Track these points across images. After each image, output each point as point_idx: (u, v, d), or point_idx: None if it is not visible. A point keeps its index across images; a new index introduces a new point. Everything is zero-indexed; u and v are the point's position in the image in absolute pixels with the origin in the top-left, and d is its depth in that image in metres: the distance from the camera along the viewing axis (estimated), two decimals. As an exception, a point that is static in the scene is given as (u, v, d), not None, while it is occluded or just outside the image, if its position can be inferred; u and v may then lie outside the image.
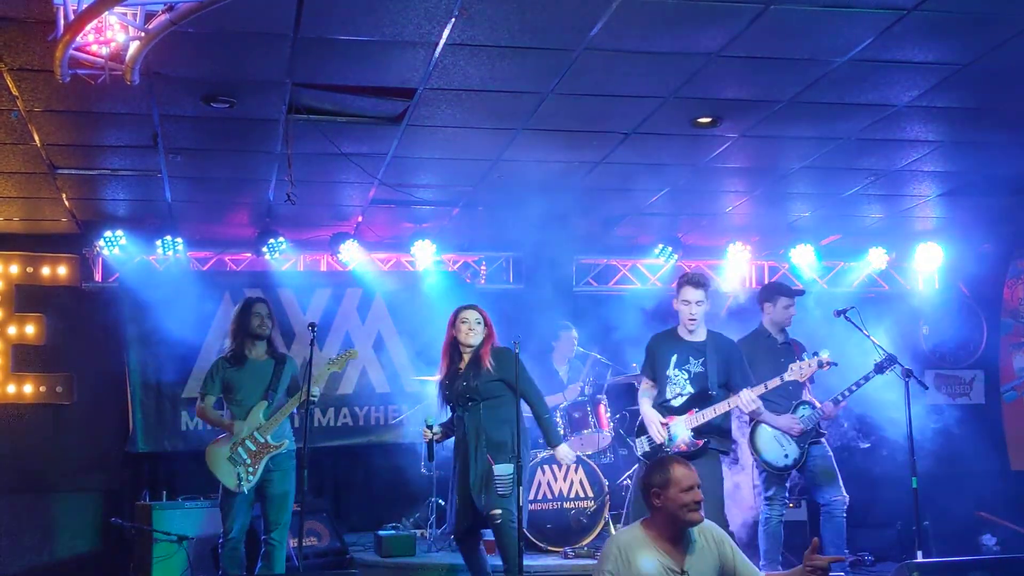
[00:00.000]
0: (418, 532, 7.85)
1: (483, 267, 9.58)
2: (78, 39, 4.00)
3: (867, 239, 9.57)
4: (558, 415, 7.84)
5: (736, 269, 9.70)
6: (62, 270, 8.81)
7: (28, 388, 8.62)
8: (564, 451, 6.02)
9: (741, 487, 7.68)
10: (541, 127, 6.33)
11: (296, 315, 8.76)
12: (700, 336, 5.86)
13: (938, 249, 9.68)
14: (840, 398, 6.45)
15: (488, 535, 5.91)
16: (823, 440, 6.56)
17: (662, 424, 5.76)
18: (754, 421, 6.46)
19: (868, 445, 8.32)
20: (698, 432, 5.73)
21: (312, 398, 6.09)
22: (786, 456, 6.42)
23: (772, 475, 6.48)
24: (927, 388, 6.78)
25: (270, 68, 5.32)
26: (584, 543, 7.39)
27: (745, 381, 5.79)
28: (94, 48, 4.12)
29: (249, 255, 9.02)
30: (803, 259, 9.56)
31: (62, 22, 3.94)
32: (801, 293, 6.79)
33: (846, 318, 6.48)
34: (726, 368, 5.80)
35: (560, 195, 7.75)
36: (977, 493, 8.52)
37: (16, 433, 8.57)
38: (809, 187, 7.92)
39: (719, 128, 6.42)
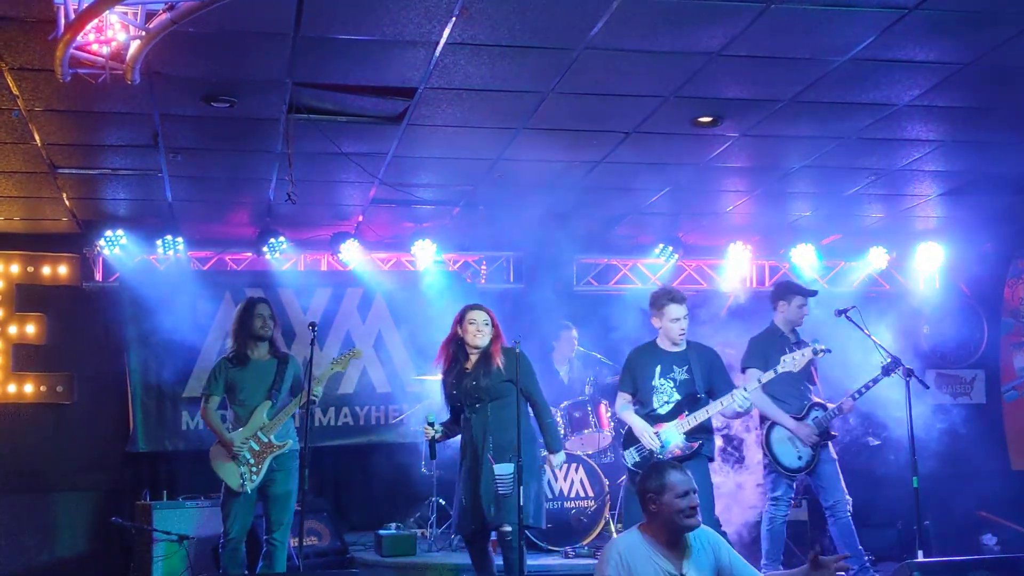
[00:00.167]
0: (418, 532, 7.85)
1: (483, 267, 9.58)
2: (79, 38, 3.99)
3: (868, 239, 9.57)
4: (558, 415, 7.86)
5: (736, 269, 9.69)
6: (62, 270, 8.81)
7: (28, 388, 8.62)
8: (559, 459, 5.98)
9: (744, 487, 7.69)
10: (542, 126, 6.33)
11: (296, 315, 8.76)
12: (682, 347, 5.91)
13: (939, 249, 9.67)
14: (856, 395, 6.50)
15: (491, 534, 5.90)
16: (829, 443, 6.59)
17: (653, 432, 5.76)
18: (769, 422, 6.47)
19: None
20: (690, 435, 5.74)
21: (314, 397, 6.09)
22: (799, 458, 6.47)
23: (782, 476, 6.50)
24: (928, 388, 6.79)
25: (270, 68, 5.32)
26: (584, 543, 7.40)
27: (728, 386, 5.84)
28: (95, 47, 4.12)
29: (249, 255, 9.02)
30: (804, 259, 9.55)
31: (62, 21, 3.94)
32: (814, 294, 6.83)
33: (847, 318, 6.50)
34: (709, 374, 5.86)
35: (560, 195, 7.76)
36: (978, 493, 8.52)
37: (16, 433, 8.56)
38: (810, 186, 7.92)
39: (720, 127, 6.41)
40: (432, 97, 5.79)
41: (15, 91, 5.50)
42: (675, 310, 5.86)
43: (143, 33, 4.08)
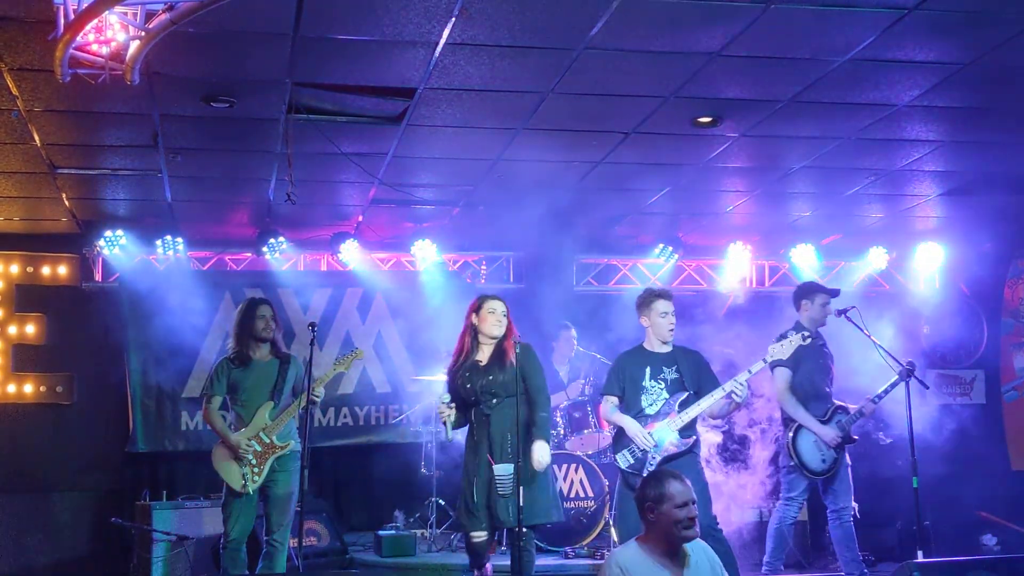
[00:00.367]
0: (418, 532, 7.84)
1: (483, 267, 9.58)
2: (78, 39, 3.99)
3: (867, 239, 9.57)
4: (559, 415, 7.86)
5: (736, 269, 9.70)
6: (62, 270, 8.81)
7: (28, 388, 8.62)
8: (541, 448, 5.47)
9: (745, 487, 7.68)
10: (541, 127, 6.33)
11: (296, 315, 8.75)
12: (669, 348, 5.92)
13: (939, 249, 9.68)
14: (876, 400, 6.51)
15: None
16: (846, 448, 6.61)
17: (647, 432, 5.74)
18: (795, 425, 6.47)
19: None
20: (684, 431, 5.74)
21: (316, 398, 6.07)
22: (823, 461, 6.48)
23: (804, 478, 6.50)
24: (928, 388, 6.80)
25: (270, 68, 5.32)
26: (584, 543, 7.39)
27: (715, 385, 5.82)
28: (94, 48, 4.11)
29: (249, 255, 9.02)
30: (804, 259, 9.56)
31: (62, 22, 3.94)
32: (837, 293, 6.82)
33: (847, 318, 6.51)
34: (697, 374, 5.86)
35: (560, 195, 7.75)
36: (978, 493, 8.51)
37: (16, 433, 8.57)
38: (810, 187, 7.92)
39: (720, 128, 6.41)
40: (432, 97, 5.78)
41: (15, 91, 5.49)
42: (663, 305, 5.87)
43: (143, 33, 4.08)
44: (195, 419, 8.51)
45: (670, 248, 9.36)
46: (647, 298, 5.96)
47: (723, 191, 8.10)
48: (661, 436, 5.68)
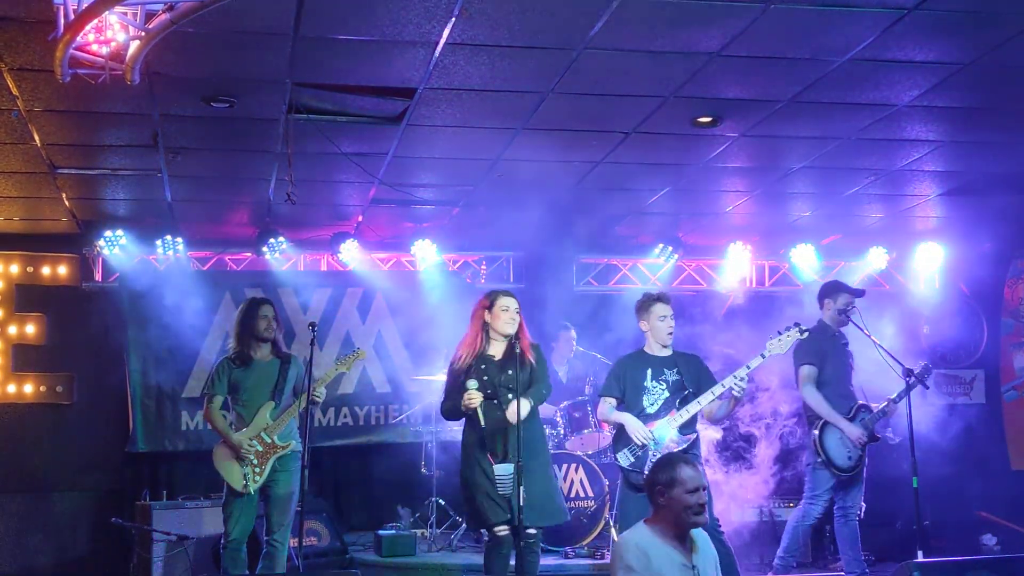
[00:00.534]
0: (418, 532, 7.84)
1: (483, 267, 9.58)
2: (78, 39, 3.99)
3: (867, 239, 9.57)
4: (558, 415, 7.86)
5: (736, 269, 9.70)
6: (62, 270, 8.81)
7: (28, 388, 8.62)
8: (523, 403, 5.34)
9: (745, 486, 7.68)
10: (541, 127, 6.33)
11: (296, 315, 8.75)
12: (668, 351, 5.94)
13: (939, 249, 9.68)
14: (896, 400, 6.50)
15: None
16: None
17: (648, 430, 5.73)
18: (822, 422, 6.46)
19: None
20: (684, 428, 5.75)
21: (317, 398, 6.07)
22: (849, 458, 6.49)
23: (828, 475, 6.50)
24: (928, 388, 6.81)
25: (270, 68, 5.32)
26: (584, 543, 7.39)
27: (714, 384, 5.82)
28: (94, 48, 4.11)
29: (249, 255, 9.02)
30: (803, 259, 9.56)
31: (62, 22, 3.94)
32: (862, 293, 6.80)
33: (847, 318, 6.51)
34: (697, 376, 5.88)
35: (560, 195, 7.76)
36: (978, 493, 8.51)
37: (16, 433, 8.57)
38: (809, 187, 7.92)
39: (719, 128, 6.41)
40: (432, 97, 5.78)
41: (15, 91, 5.49)
42: (661, 308, 5.90)
43: (143, 33, 4.08)
44: (195, 419, 8.52)
45: (670, 248, 9.36)
46: (646, 302, 5.98)
47: (723, 191, 8.10)
48: (661, 433, 5.69)
